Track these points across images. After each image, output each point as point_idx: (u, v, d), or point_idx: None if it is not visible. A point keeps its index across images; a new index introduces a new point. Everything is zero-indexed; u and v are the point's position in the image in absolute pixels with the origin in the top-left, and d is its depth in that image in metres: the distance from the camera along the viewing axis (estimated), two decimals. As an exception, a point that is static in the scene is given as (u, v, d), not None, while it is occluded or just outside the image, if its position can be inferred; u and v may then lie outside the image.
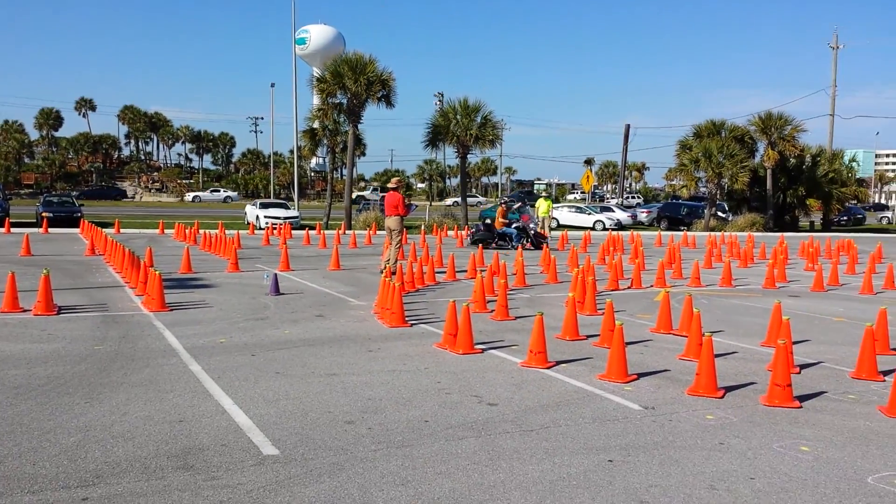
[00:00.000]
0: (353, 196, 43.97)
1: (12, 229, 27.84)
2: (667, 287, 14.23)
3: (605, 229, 40.42)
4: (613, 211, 45.15)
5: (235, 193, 79.06)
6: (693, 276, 16.16)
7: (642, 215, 47.67)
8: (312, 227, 32.59)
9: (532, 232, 25.15)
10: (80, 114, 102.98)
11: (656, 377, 7.74)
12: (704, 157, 41.40)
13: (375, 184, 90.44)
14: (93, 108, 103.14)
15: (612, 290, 14.67)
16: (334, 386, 7.12)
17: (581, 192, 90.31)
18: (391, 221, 16.34)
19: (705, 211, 42.60)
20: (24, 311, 10.58)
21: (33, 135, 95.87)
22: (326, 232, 31.25)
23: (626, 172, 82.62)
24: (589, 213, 43.51)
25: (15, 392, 6.60)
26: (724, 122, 44.97)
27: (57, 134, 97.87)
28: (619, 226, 41.86)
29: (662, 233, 35.90)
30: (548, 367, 7.96)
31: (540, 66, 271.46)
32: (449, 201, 75.49)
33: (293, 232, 30.71)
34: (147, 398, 6.51)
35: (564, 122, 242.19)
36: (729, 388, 7.27)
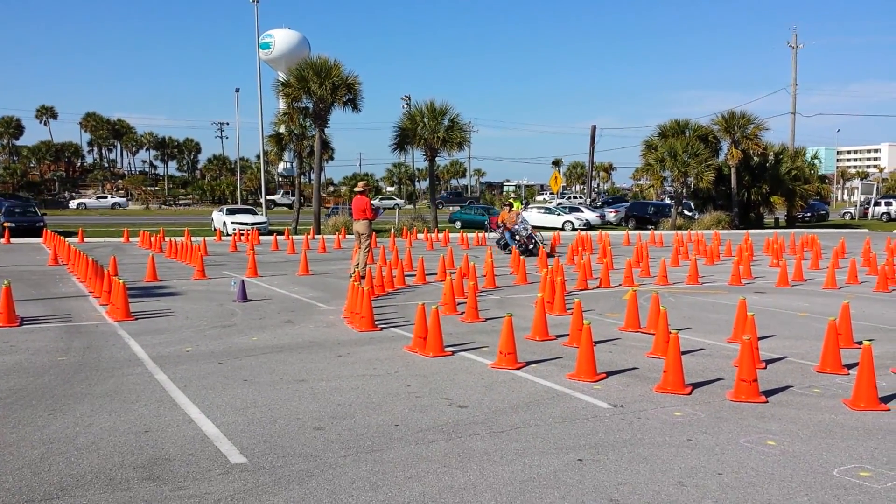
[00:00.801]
0: (265, 199, 43.90)
1: (-28, 240, 27.22)
2: (635, 286, 14.34)
3: (574, 229, 40.67)
4: (582, 211, 45.46)
5: (124, 199, 76.93)
6: (660, 275, 16.31)
7: (610, 215, 48.07)
8: (281, 233, 32.33)
9: (521, 236, 23.12)
10: (41, 122, 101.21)
11: (625, 375, 7.79)
12: (670, 156, 41.89)
13: (285, 188, 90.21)
14: (54, 116, 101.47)
15: (581, 290, 14.76)
16: (303, 392, 7.06)
17: (550, 194, 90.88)
18: (360, 225, 16.28)
19: (672, 210, 43.10)
20: (-15, 323, 10.34)
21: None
22: (295, 237, 31.03)
23: (594, 173, 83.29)
24: (558, 214, 43.77)
25: (-25, 406, 6.44)
26: (689, 121, 45.55)
27: (18, 143, 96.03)
28: (588, 226, 42.16)
29: (630, 232, 36.24)
30: (518, 368, 7.98)
31: (507, 68, 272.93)
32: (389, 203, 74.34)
33: (261, 238, 30.45)
34: (112, 409, 6.40)
35: (532, 123, 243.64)
36: (696, 385, 7.35)
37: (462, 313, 11.42)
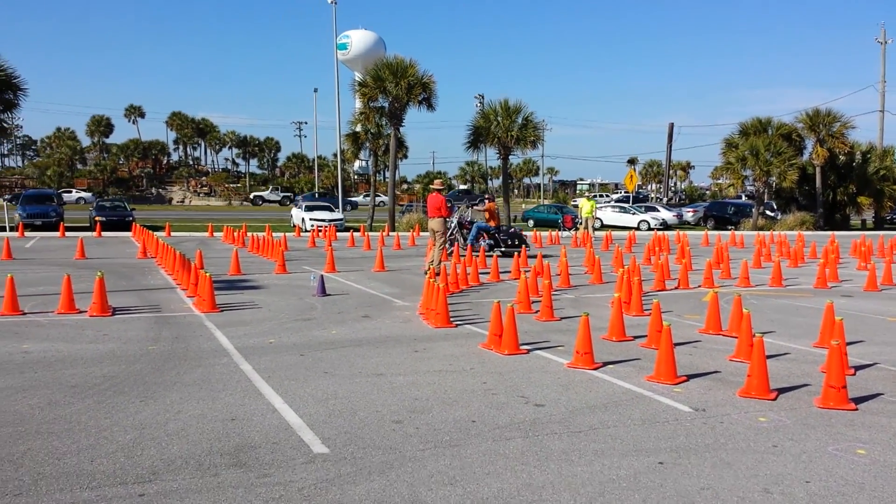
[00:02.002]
0: (251, 196, 44.07)
1: (67, 233, 28.64)
2: (715, 287, 14.00)
3: (650, 229, 39.96)
4: (659, 210, 44.59)
5: (89, 194, 76.32)
6: (742, 276, 15.88)
7: (688, 215, 47.02)
8: (357, 229, 32.85)
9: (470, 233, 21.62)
10: (129, 120, 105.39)
11: (706, 379, 7.63)
12: (751, 154, 40.70)
13: (274, 185, 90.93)
14: (142, 115, 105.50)
15: (659, 291, 14.50)
16: (381, 386, 7.17)
17: (624, 192, 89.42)
18: (434, 223, 16.41)
19: (753, 210, 41.82)
20: (80, 312, 10.88)
21: (85, 141, 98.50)
22: (370, 234, 31.49)
23: (671, 171, 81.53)
24: (633, 213, 43.06)
25: (73, 391, 6.79)
26: (771, 119, 44.16)
27: (108, 140, 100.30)
28: (665, 225, 41.35)
29: (709, 232, 35.36)
30: (595, 368, 7.91)
31: (581, 66, 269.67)
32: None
33: (338, 234, 31.01)
34: (200, 397, 6.65)
35: (607, 121, 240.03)
36: (781, 390, 7.14)
37: (537, 312, 11.38)
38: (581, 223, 31.09)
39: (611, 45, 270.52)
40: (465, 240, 21.34)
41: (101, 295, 10.87)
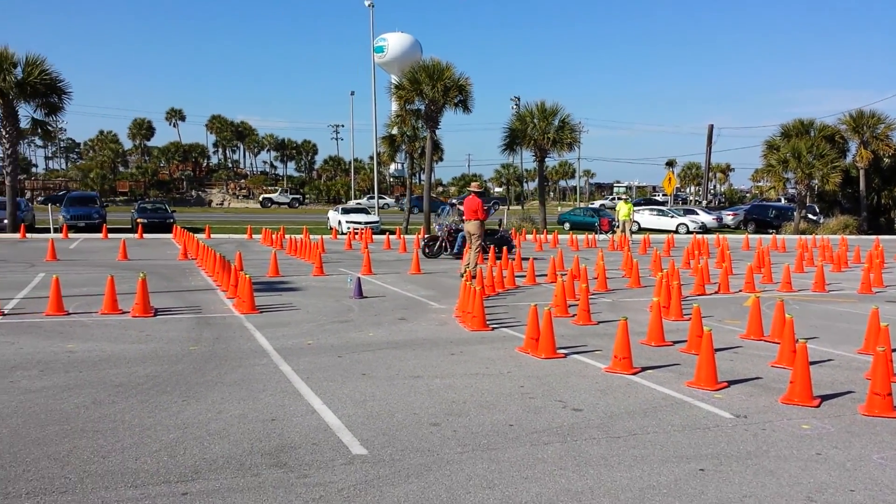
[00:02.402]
0: (261, 198, 44.10)
1: (109, 235, 29.24)
2: (756, 292, 13.79)
3: (688, 232, 39.49)
4: (697, 213, 44.04)
5: (41, 197, 75.50)
6: (784, 281, 15.61)
7: (728, 218, 46.36)
8: (392, 232, 33.00)
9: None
10: (170, 124, 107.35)
11: (748, 385, 7.51)
12: (793, 157, 40.00)
13: (279, 186, 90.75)
14: (182, 118, 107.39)
15: (699, 295, 14.31)
16: (418, 388, 7.20)
17: (663, 195, 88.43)
18: (471, 226, 16.41)
19: (795, 213, 41.09)
20: (123, 312, 11.10)
21: (127, 144, 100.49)
22: (406, 236, 31.60)
23: (710, 174, 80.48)
24: (671, 216, 42.59)
25: (116, 390, 6.93)
26: (813, 121, 43.37)
27: (149, 143, 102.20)
28: (704, 229, 40.84)
29: (750, 236, 34.82)
30: (633, 373, 7.84)
31: (619, 67, 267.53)
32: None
33: (374, 236, 31.18)
34: (240, 397, 6.74)
35: (645, 123, 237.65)
36: (825, 397, 7.00)
37: (574, 315, 11.31)
38: (618, 226, 30.84)
39: (649, 45, 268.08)
40: (452, 247, 20.89)
41: (143, 296, 11.08)
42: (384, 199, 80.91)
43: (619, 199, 43.96)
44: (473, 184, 17.53)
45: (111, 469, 4.95)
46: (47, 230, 31.40)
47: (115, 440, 5.53)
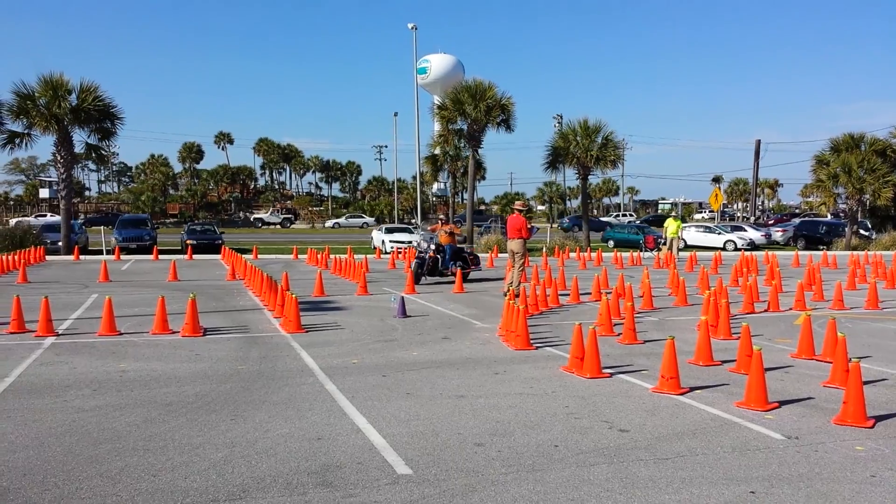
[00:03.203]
0: (252, 219, 44.23)
1: (160, 256, 29.91)
2: (807, 310, 13.47)
3: (736, 249, 38.81)
4: (745, 230, 43.26)
5: (291, 216, 79.97)
6: (835, 299, 15.23)
7: (777, 234, 45.43)
8: (436, 251, 33.05)
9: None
10: (219, 147, 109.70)
11: (799, 405, 7.34)
12: (843, 172, 39.07)
13: (278, 205, 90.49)
14: (230, 142, 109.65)
15: (747, 314, 14.04)
16: (462, 408, 7.19)
17: (710, 211, 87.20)
18: (514, 244, 16.39)
19: (846, 229, 40.10)
20: (174, 332, 11.32)
21: (177, 167, 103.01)
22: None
23: (758, 189, 79.09)
24: (719, 233, 41.91)
25: (167, 409, 7.07)
26: (864, 135, 42.30)
27: (198, 166, 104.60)
28: (752, 246, 40.10)
29: (800, 252, 34.07)
30: (681, 394, 7.71)
31: (661, 83, 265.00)
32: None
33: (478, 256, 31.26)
34: (287, 416, 6.82)
35: (689, 139, 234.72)
36: (879, 418, 6.80)
37: (619, 334, 11.19)
38: (665, 243, 30.47)
39: (693, 60, 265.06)
40: (442, 263, 20.16)
41: (193, 316, 11.30)
42: (363, 217, 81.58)
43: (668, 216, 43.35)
44: (518, 202, 17.51)
45: (161, 487, 5.04)
46: (100, 252, 32.24)
47: (166, 458, 5.63)
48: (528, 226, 16.79)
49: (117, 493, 4.92)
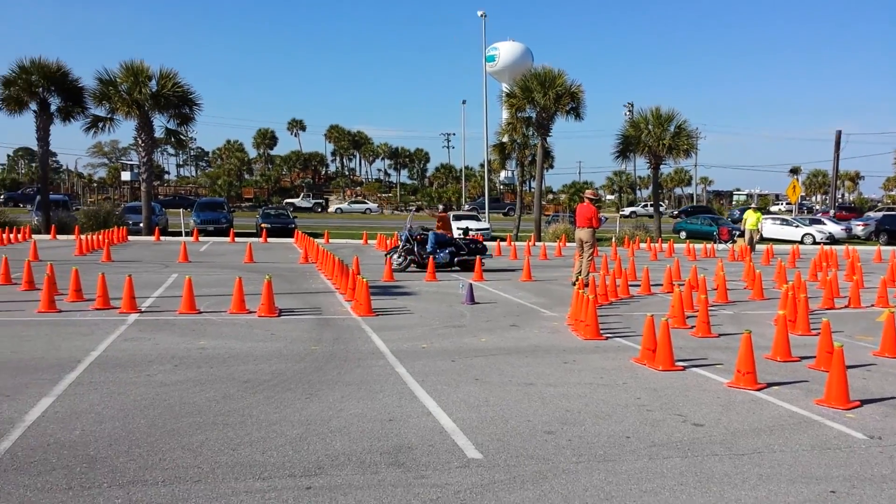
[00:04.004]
0: (283, 203, 43.61)
1: (236, 238, 30.74)
2: (890, 307, 12.93)
3: (815, 243, 37.51)
4: (825, 223, 41.74)
5: (376, 206, 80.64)
6: (923, 296, 14.57)
7: (858, 228, 43.67)
8: (503, 239, 33.03)
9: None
10: (291, 133, 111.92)
11: (882, 405, 7.07)
12: (933, 163, 37.24)
13: (307, 191, 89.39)
14: (303, 128, 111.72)
15: (827, 309, 13.57)
16: (532, 395, 7.18)
17: (787, 203, 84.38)
18: (584, 233, 16.22)
19: (935, 224, 38.25)
20: (250, 312, 11.64)
21: (252, 153, 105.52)
22: (516, 243, 31.57)
23: (838, 182, 76.08)
24: (797, 226, 40.57)
25: (245, 386, 7.29)
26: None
27: (272, 152, 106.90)
28: (832, 239, 38.68)
29: (882, 247, 32.70)
30: (758, 389, 7.53)
31: (738, 71, 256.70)
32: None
33: (485, 243, 31.29)
34: (359, 396, 6.94)
35: (766, 128, 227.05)
36: (973, 422, 6.49)
37: (692, 327, 10.98)
38: (742, 235, 29.66)
39: (772, 49, 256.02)
40: (420, 252, 19.22)
41: (269, 297, 11.59)
42: (366, 203, 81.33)
43: (746, 208, 42.08)
44: (588, 191, 17.30)
45: (240, 461, 5.21)
46: (179, 233, 33.33)
47: (244, 433, 5.81)
48: (599, 215, 16.58)
49: (198, 465, 5.11)
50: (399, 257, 19.18)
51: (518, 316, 12.27)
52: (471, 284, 14.36)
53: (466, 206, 66.05)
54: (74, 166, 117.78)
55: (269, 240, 31.33)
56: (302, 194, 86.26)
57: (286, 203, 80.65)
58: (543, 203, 42.27)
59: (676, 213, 68.28)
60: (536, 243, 32.53)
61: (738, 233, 30.81)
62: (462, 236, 20.55)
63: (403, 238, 19.46)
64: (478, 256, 18.72)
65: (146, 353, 8.66)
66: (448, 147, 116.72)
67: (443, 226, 20.65)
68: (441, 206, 21.66)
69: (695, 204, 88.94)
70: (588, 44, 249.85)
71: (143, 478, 4.84)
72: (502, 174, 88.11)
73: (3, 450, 5.27)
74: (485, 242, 20.78)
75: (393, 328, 10.74)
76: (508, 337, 10.37)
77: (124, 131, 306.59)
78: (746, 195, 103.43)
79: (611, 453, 5.54)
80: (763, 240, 37.91)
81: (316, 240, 27.45)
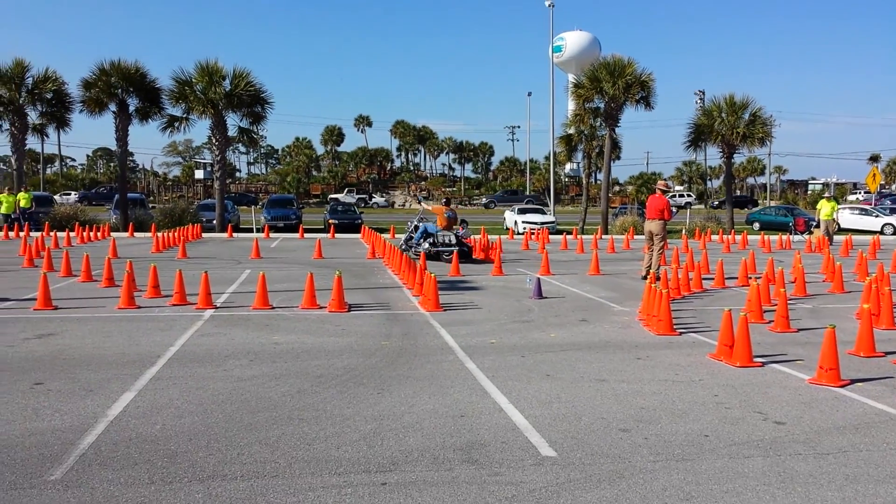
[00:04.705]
0: (328, 199, 42.92)
1: (305, 235, 31.28)
2: None
3: (895, 233, 35.94)
4: (907, 213, 39.94)
5: (382, 199, 79.54)
6: None
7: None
8: (569, 232, 32.70)
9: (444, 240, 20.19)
10: (358, 129, 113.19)
11: (979, 404, 6.71)
12: None
13: (351, 188, 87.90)
14: (369, 124, 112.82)
15: (914, 303, 12.95)
16: (605, 392, 7.08)
17: (865, 192, 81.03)
18: (654, 225, 15.89)
19: None
20: (321, 307, 11.81)
21: (319, 150, 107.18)
22: (583, 237, 31.20)
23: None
24: (876, 216, 38.92)
25: (318, 380, 7.39)
26: None
27: (339, 148, 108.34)
28: (916, 230, 36.97)
29: (973, 237, 31.05)
30: (841, 386, 7.24)
31: (814, 57, 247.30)
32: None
33: (551, 237, 31.05)
34: (431, 392, 6.96)
35: (842, 115, 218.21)
36: None
37: (770, 322, 10.64)
38: (818, 226, 28.64)
39: (847, 30, 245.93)
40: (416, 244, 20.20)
41: (339, 292, 11.74)
42: (374, 197, 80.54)
43: (821, 196, 40.58)
44: (660, 183, 16.93)
45: (316, 456, 5.27)
46: (250, 230, 34.11)
47: (319, 428, 5.89)
48: (670, 207, 16.22)
49: (275, 459, 5.20)
50: (402, 246, 20.15)
51: (587, 311, 12.12)
52: (538, 279, 14.24)
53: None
54: (150, 165, 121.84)
55: (337, 235, 31.76)
56: (346, 190, 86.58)
57: (330, 197, 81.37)
58: (610, 195, 41.67)
59: (716, 203, 66.52)
60: (603, 236, 32.07)
61: (815, 223, 29.73)
62: (455, 233, 20.55)
63: (409, 230, 20.80)
64: (455, 251, 18.50)
65: (222, 349, 8.88)
66: (513, 140, 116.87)
67: (445, 221, 20.69)
68: (444, 200, 22.43)
69: (766, 196, 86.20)
70: (656, 31, 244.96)
71: (223, 472, 4.95)
72: (567, 166, 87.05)
73: (88, 444, 5.47)
74: (471, 243, 21.40)
75: (461, 323, 10.74)
76: (578, 332, 10.24)
77: (198, 130, 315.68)
78: (822, 184, 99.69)
79: (689, 452, 5.41)
80: (840, 230, 36.53)
81: (382, 235, 27.70)
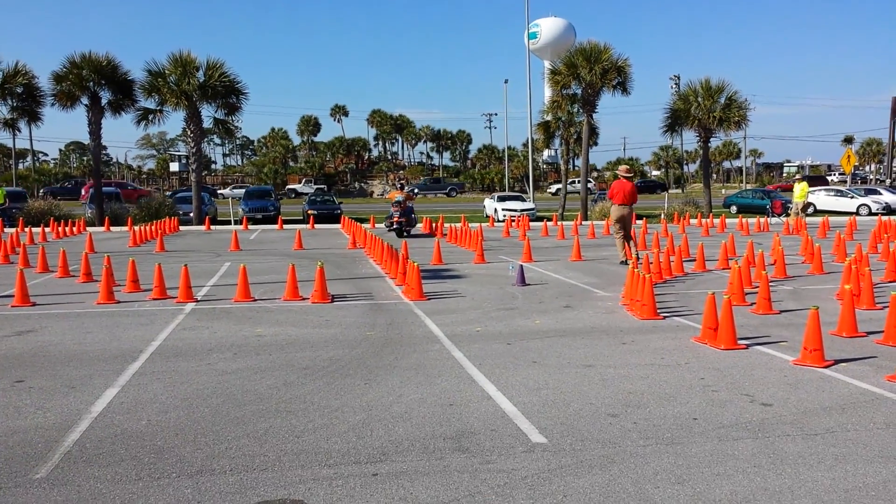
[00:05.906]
0: (285, 189, 42.99)
1: (284, 226, 31.06)
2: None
3: (871, 214, 36.41)
4: (881, 193, 40.45)
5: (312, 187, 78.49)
6: None
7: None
8: (549, 219, 32.76)
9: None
10: (335, 119, 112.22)
11: (961, 381, 6.79)
12: None
13: (309, 174, 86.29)
14: (345, 114, 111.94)
15: (891, 282, 13.14)
16: (592, 378, 7.08)
17: (840, 174, 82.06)
18: (628, 211, 15.97)
19: None
20: (303, 299, 11.73)
21: (296, 140, 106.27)
22: (563, 223, 31.27)
23: (894, 150, 73.48)
24: (852, 197, 39.41)
25: (304, 372, 7.33)
26: None
27: (316, 139, 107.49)
28: (889, 210, 37.48)
29: (946, 217, 31.54)
30: (826, 366, 7.30)
31: (786, 39, 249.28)
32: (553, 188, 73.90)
33: (531, 223, 31.10)
34: (418, 381, 6.93)
35: (817, 98, 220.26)
36: None
37: (752, 304, 10.72)
38: (792, 208, 28.95)
39: (820, 13, 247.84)
40: (407, 223, 25.45)
41: (322, 283, 11.66)
42: (296, 187, 78.78)
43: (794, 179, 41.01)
44: (622, 167, 16.93)
45: (305, 448, 5.22)
46: (228, 222, 33.81)
47: (307, 420, 5.83)
48: (635, 192, 16.32)
49: (264, 453, 5.14)
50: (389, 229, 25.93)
51: (571, 297, 12.14)
52: (521, 266, 14.24)
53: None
54: (125, 158, 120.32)
55: (316, 226, 31.58)
56: (304, 180, 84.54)
57: (288, 188, 79.56)
58: (588, 180, 41.70)
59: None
60: (583, 222, 32.17)
61: (791, 206, 30.02)
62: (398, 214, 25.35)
63: (390, 216, 25.85)
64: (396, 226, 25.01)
65: (205, 342, 8.78)
66: (490, 128, 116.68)
67: (404, 204, 25.58)
68: (399, 186, 29.09)
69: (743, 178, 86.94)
70: (630, 17, 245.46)
71: (211, 467, 4.88)
72: (545, 153, 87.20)
73: (72, 441, 5.38)
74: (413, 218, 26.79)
75: (446, 312, 10.71)
76: (563, 318, 10.25)
77: (172, 123, 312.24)
78: (797, 167, 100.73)
79: (678, 436, 5.42)
80: (817, 212, 36.93)
81: (362, 225, 27.57)
